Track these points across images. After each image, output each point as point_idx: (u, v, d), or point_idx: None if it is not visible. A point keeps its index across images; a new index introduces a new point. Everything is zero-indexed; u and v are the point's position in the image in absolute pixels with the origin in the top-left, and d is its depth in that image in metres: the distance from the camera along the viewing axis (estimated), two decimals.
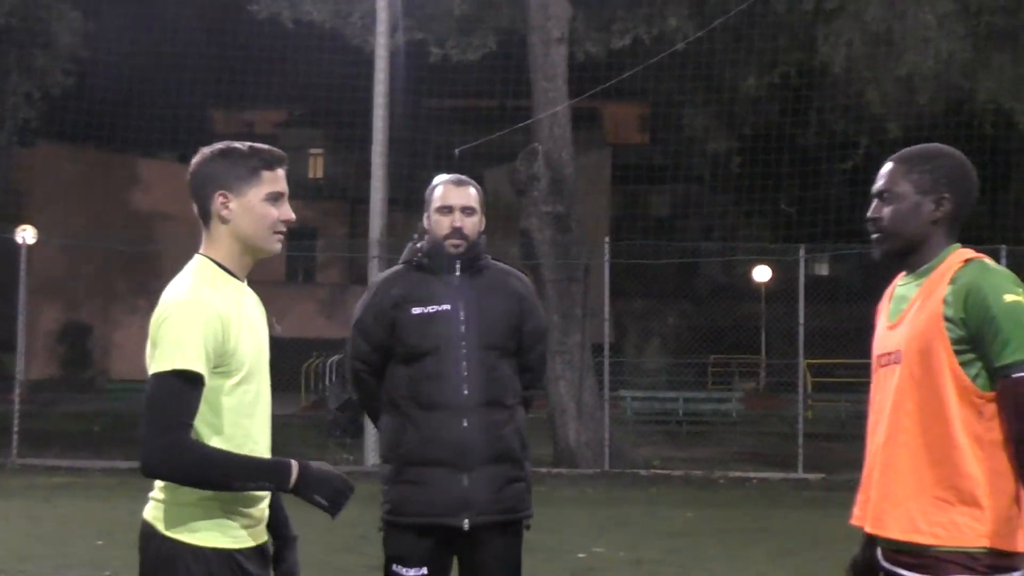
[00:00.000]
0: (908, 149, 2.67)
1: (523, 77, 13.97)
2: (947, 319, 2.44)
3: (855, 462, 10.90)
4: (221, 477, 2.50)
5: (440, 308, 3.56)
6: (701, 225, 30.29)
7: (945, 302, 2.45)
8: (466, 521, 3.47)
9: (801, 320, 13.49)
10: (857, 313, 15.22)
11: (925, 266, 2.58)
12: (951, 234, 2.58)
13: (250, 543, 2.64)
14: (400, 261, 3.75)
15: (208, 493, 2.54)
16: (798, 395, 18.53)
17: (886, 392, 2.57)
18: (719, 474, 13.17)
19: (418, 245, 3.70)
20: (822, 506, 10.86)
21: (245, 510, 2.63)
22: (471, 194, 3.63)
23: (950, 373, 2.43)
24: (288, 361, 26.72)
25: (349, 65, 16.61)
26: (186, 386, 2.48)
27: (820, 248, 14.70)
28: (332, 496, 2.55)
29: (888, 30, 15.93)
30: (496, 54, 15.76)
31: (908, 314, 2.55)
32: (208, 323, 2.53)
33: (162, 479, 2.56)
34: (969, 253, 2.55)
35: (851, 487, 10.93)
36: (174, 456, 2.46)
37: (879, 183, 2.63)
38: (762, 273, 28.16)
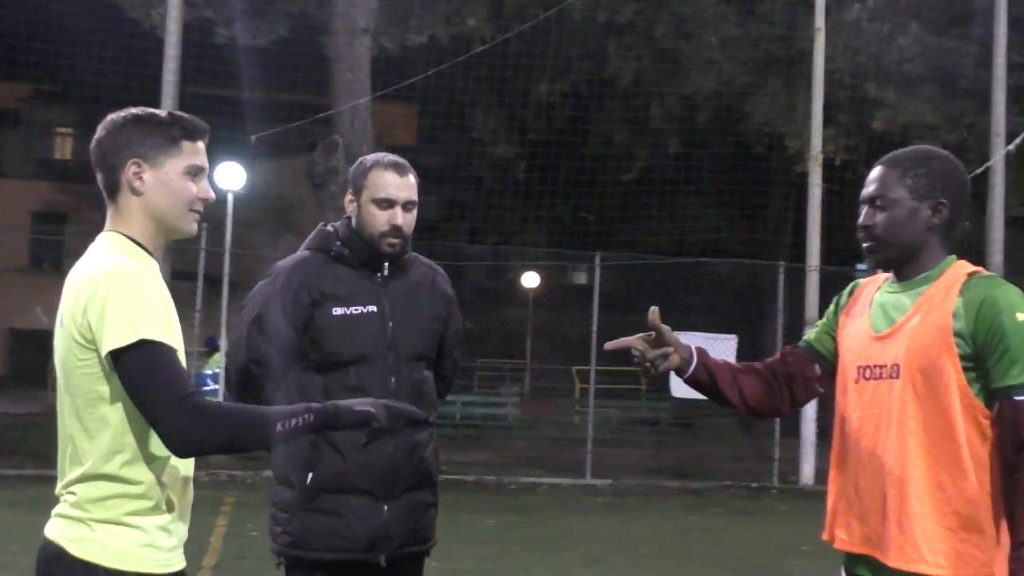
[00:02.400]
0: (899, 152, 2.51)
1: (321, 66, 13.43)
2: (957, 334, 2.29)
3: (633, 467, 11.27)
4: (263, 427, 2.18)
5: (366, 310, 3.07)
6: (473, 228, 30.47)
7: (955, 315, 2.30)
8: (382, 557, 3.05)
9: (595, 327, 13.69)
10: (617, 321, 15.71)
11: (922, 275, 2.42)
12: (946, 242, 2.45)
13: (177, 567, 2.30)
14: (307, 247, 3.18)
15: (135, 506, 2.19)
16: (586, 400, 18.97)
17: (880, 408, 2.40)
18: (509, 480, 13.15)
19: (329, 228, 3.18)
20: (618, 511, 11.04)
21: (173, 528, 2.28)
22: (413, 184, 3.14)
23: (958, 391, 2.29)
24: (30, 354, 24.74)
25: (123, 39, 15.41)
26: (163, 350, 2.14)
27: (615, 257, 14.94)
28: (375, 407, 2.29)
29: (675, 49, 16.54)
30: (287, 40, 15.10)
31: (907, 326, 2.38)
32: (157, 292, 2.21)
33: (207, 451, 2.21)
34: (970, 266, 2.42)
35: (638, 492, 11.27)
36: (207, 421, 2.13)
37: (870, 188, 2.45)
38: (531, 279, 28.71)
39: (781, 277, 13.94)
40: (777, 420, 13.87)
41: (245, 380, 3.12)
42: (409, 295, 3.15)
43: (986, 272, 2.42)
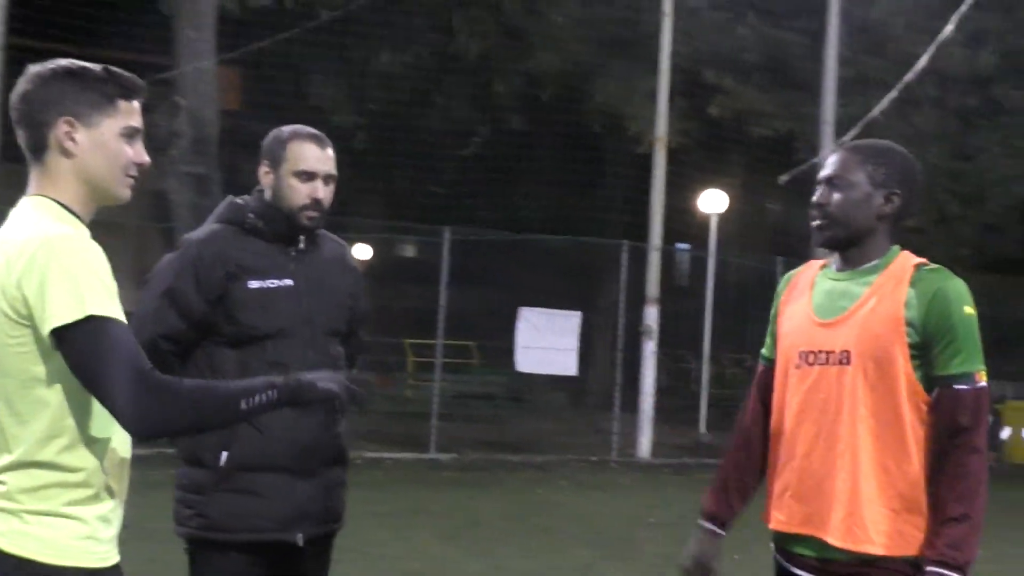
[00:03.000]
0: (861, 141, 2.63)
1: (163, 23, 12.76)
2: (908, 323, 2.38)
3: (474, 441, 11.30)
4: (227, 405, 2.05)
5: (282, 283, 2.98)
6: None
7: (907, 305, 2.38)
8: (300, 536, 2.96)
9: (443, 302, 13.64)
10: (455, 295, 15.75)
11: (869, 264, 2.49)
12: (892, 233, 2.53)
13: (115, 560, 2.14)
14: (218, 220, 3.07)
15: (74, 496, 2.03)
16: (419, 374, 18.89)
17: (826, 393, 2.46)
18: (355, 455, 12.93)
19: (240, 200, 3.07)
20: (465, 486, 11.08)
21: (114, 516, 2.13)
22: (332, 158, 3.07)
23: (905, 378, 2.38)
24: None
25: None
26: (116, 325, 1.98)
27: (462, 231, 14.91)
28: (337, 385, 2.19)
29: (522, 26, 16.57)
30: None
31: (857, 313, 2.44)
32: (101, 263, 2.04)
33: (171, 432, 2.09)
34: (915, 257, 2.51)
35: (483, 467, 11.30)
36: (171, 399, 1.99)
37: (829, 169, 2.53)
38: (362, 252, 28.40)
39: (624, 256, 14.24)
40: (615, 394, 14.25)
41: (152, 357, 2.94)
42: (322, 269, 3.09)
43: (932, 264, 2.49)
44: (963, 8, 10.15)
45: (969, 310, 2.39)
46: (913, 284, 2.40)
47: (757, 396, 2.72)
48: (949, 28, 10.09)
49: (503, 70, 17.40)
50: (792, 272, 2.71)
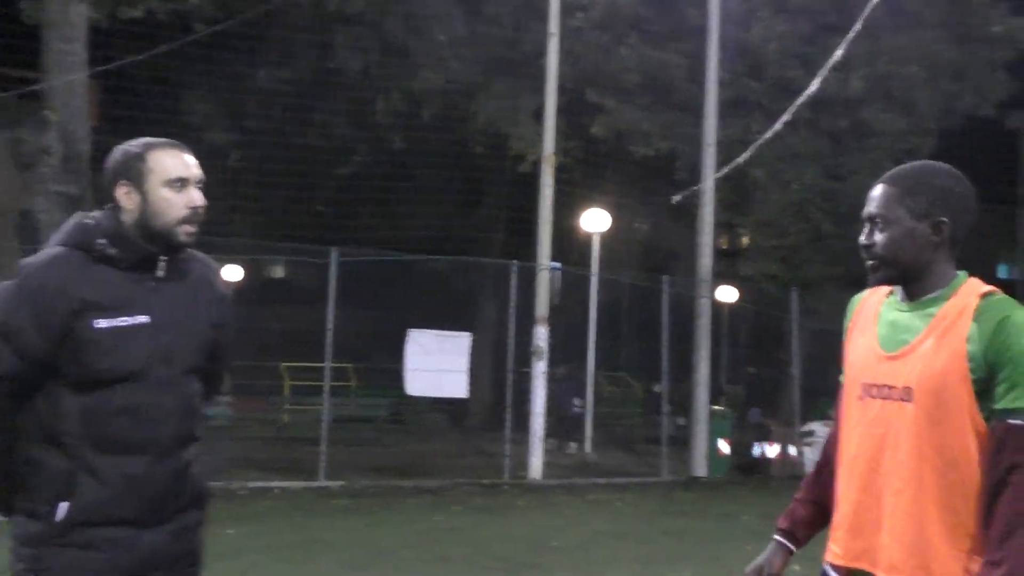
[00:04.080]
0: (900, 169, 2.48)
1: (31, 34, 12.06)
2: (971, 358, 2.28)
3: (360, 467, 10.97)
4: None
5: (136, 320, 2.63)
6: None
7: (969, 339, 2.28)
8: None
9: (330, 324, 13.27)
10: (319, 316, 15.42)
11: (932, 295, 2.40)
12: (952, 258, 2.43)
13: None
14: (63, 243, 2.68)
15: None
16: (295, 398, 18.37)
17: (886, 428, 2.39)
18: (238, 484, 12.48)
19: (89, 221, 2.70)
20: (359, 514, 10.75)
21: None
22: (196, 163, 2.75)
23: (969, 415, 2.28)
24: None
25: None
26: None
27: (356, 253, 14.54)
28: None
29: (404, 44, 16.38)
30: None
31: (919, 348, 2.35)
32: None
33: None
34: (983, 285, 2.39)
35: (374, 493, 10.97)
36: None
37: (871, 207, 2.43)
38: (233, 273, 27.61)
39: (514, 276, 14.16)
40: (507, 415, 14.13)
41: None
42: (185, 299, 2.76)
43: (999, 293, 2.38)
44: (851, 35, 10.45)
45: None
46: (976, 318, 2.31)
47: (838, 418, 2.64)
48: (838, 53, 10.38)
49: (384, 88, 17.14)
50: (859, 296, 2.62)
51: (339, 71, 16.82)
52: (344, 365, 22.04)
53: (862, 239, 2.45)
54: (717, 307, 23.37)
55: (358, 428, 19.27)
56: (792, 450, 16.09)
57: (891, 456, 2.37)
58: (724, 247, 26.53)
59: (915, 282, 2.42)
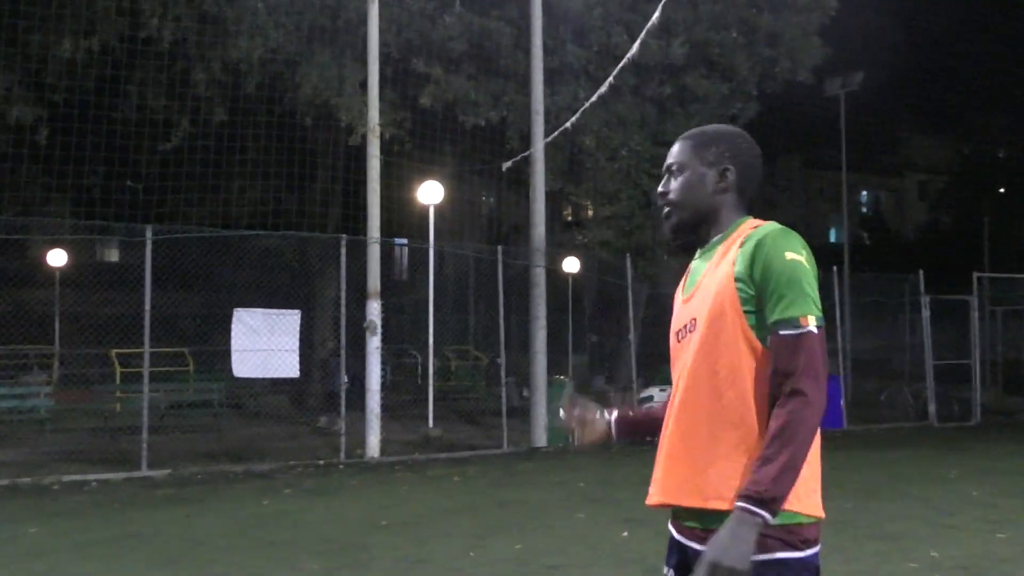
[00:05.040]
0: (694, 129, 2.71)
1: None
2: (738, 279, 2.43)
3: (190, 454, 10.59)
4: None
5: None
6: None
7: (735, 262, 2.45)
8: None
9: (147, 306, 12.55)
10: (165, 300, 14.73)
11: (717, 237, 2.59)
12: (740, 206, 2.62)
13: None
14: None
15: None
16: (127, 386, 17.50)
17: (683, 364, 2.53)
18: (51, 479, 11.75)
19: None
20: (183, 503, 10.25)
21: None
22: None
23: (741, 334, 2.42)
24: None
25: None
26: None
27: (166, 231, 13.82)
28: None
29: (219, 13, 15.67)
30: None
31: (703, 283, 2.54)
32: None
33: None
34: (758, 221, 2.56)
35: (201, 481, 10.55)
36: None
37: (668, 159, 2.66)
38: (57, 257, 26.18)
39: (343, 250, 13.75)
40: (341, 392, 13.78)
41: None
42: None
43: (770, 224, 2.52)
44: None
45: (792, 256, 2.40)
46: (743, 243, 2.47)
47: None
48: (655, 17, 10.40)
49: (201, 58, 16.38)
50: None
51: (150, 40, 15.95)
52: (180, 350, 21.23)
53: (660, 188, 2.66)
54: (562, 278, 23.55)
55: (195, 415, 18.56)
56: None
57: (692, 388, 2.49)
58: (569, 218, 26.72)
59: (704, 226, 2.61)
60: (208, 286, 20.17)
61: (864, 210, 52.12)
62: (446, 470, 12.83)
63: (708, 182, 2.59)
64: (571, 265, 22.58)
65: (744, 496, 2.26)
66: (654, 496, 2.54)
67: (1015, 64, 22.13)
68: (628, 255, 15.73)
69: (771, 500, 2.25)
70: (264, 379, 15.83)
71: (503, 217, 23.18)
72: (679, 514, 2.53)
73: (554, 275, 22.08)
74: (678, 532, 2.55)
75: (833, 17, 17.08)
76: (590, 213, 21.19)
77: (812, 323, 2.35)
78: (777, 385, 2.36)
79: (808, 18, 16.47)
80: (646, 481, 2.59)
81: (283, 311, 13.28)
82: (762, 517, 2.23)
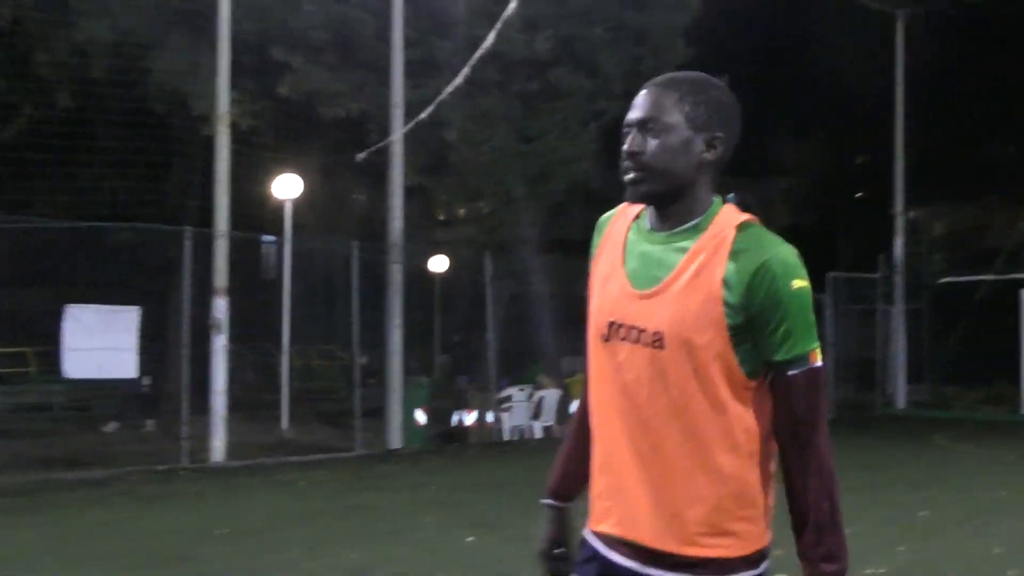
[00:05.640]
0: (673, 74, 2.19)
1: None
2: (726, 303, 2.04)
3: (20, 461, 9.83)
4: None
5: None
6: None
7: (725, 283, 2.05)
8: None
9: None
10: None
11: (686, 225, 2.12)
12: (714, 184, 2.15)
13: None
14: None
15: None
16: None
17: (637, 376, 2.11)
18: None
19: None
20: (1, 514, 9.54)
21: None
22: None
23: (722, 363, 2.06)
24: None
25: None
26: None
27: (5, 220, 12.92)
28: None
29: None
30: None
31: (672, 287, 2.09)
32: None
33: None
34: (740, 214, 2.13)
35: (25, 490, 9.79)
36: None
37: (640, 112, 2.10)
38: None
39: (187, 244, 13.09)
40: (183, 396, 13.14)
41: None
42: None
43: (756, 223, 2.11)
44: None
45: (799, 283, 2.05)
46: (733, 257, 2.05)
47: (586, 362, 2.31)
48: (512, 6, 10.15)
49: (43, 40, 15.44)
50: (607, 216, 2.29)
51: None
52: (23, 350, 20.10)
53: (627, 146, 2.10)
54: (430, 276, 23.16)
55: (35, 418, 17.55)
56: (490, 417, 16.06)
57: (645, 407, 2.12)
58: (441, 216, 26.36)
59: (672, 203, 2.13)
60: (51, 281, 19.12)
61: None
62: (294, 474, 12.35)
63: (694, 150, 2.11)
64: (441, 264, 22.25)
65: (835, 565, 2.07)
66: (612, 527, 2.18)
67: (871, 72, 22.80)
68: (488, 252, 15.48)
69: (844, 571, 2.09)
70: (115, 380, 15.07)
71: (373, 214, 22.70)
72: (609, 542, 2.20)
73: (422, 274, 21.73)
74: (608, 546, 2.20)
75: (698, 18, 17.18)
76: (461, 212, 20.94)
77: (819, 358, 2.09)
78: (787, 427, 2.09)
79: (673, 17, 16.52)
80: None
81: (119, 307, 12.57)
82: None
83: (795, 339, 2.05)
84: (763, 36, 21.67)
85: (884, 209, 23.96)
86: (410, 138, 15.01)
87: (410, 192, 17.56)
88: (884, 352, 22.83)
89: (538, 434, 16.40)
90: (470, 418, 16.01)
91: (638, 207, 2.23)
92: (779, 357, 2.06)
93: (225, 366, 13.18)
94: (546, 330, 17.80)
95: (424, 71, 15.09)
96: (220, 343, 13.07)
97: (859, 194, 42.04)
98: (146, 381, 16.21)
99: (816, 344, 2.09)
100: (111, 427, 16.33)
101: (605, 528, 2.19)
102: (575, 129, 16.03)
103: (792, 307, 2.04)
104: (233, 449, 13.51)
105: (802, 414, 2.07)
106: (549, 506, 2.42)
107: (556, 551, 2.39)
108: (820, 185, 41.88)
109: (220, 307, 13.09)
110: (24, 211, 17.36)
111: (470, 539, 8.07)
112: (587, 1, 15.52)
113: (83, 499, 10.41)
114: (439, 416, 16.14)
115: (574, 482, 2.39)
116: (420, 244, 21.64)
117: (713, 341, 2.05)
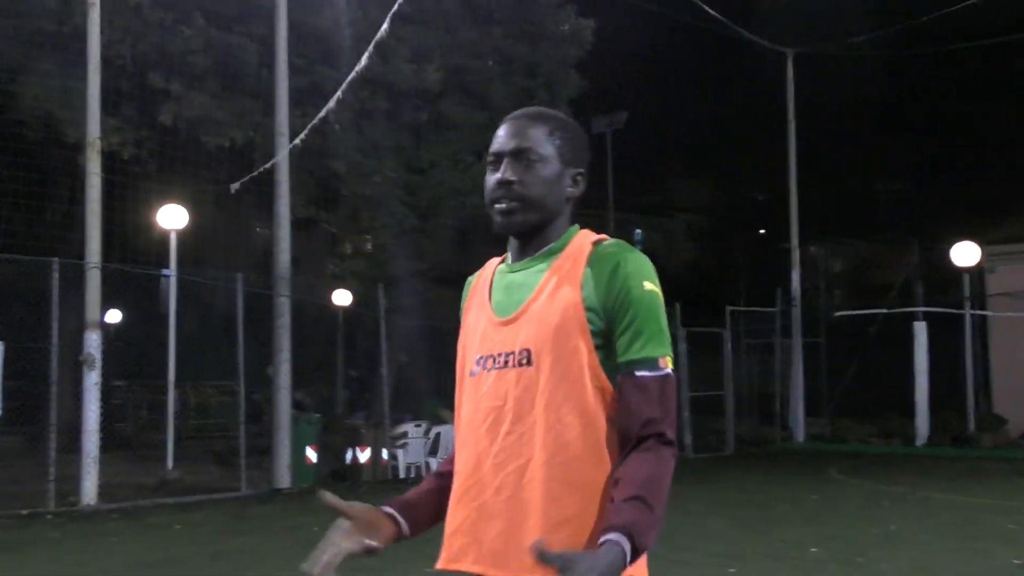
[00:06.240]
0: (537, 108, 2.21)
1: None
2: (588, 308, 2.02)
3: None
4: None
5: None
6: None
7: (583, 286, 2.03)
8: None
9: None
10: None
11: (545, 248, 2.11)
12: (572, 219, 2.17)
13: None
14: None
15: None
16: None
17: (503, 400, 2.04)
18: None
19: None
20: None
21: None
22: None
23: (590, 373, 2.00)
24: None
25: None
26: None
27: None
28: None
29: None
30: None
31: (535, 305, 2.06)
32: None
33: None
34: (594, 235, 2.14)
35: None
36: None
37: (515, 141, 2.09)
38: None
39: (55, 275, 12.44)
40: (52, 436, 12.43)
41: None
42: None
43: (612, 239, 2.12)
44: (395, 7, 10.05)
45: (650, 286, 2.03)
46: (590, 263, 2.06)
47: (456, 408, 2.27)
48: (384, 28, 9.95)
49: None
50: (472, 278, 2.29)
51: None
52: None
53: (501, 175, 2.08)
54: (333, 310, 22.64)
55: None
56: (385, 454, 15.61)
57: (515, 433, 2.03)
58: (348, 251, 25.89)
59: (537, 235, 2.13)
60: None
61: (639, 247, 53.98)
62: (170, 517, 11.73)
63: (564, 183, 2.13)
64: (344, 297, 21.77)
65: (624, 532, 1.83)
66: (446, 560, 2.10)
67: (765, 108, 23.22)
68: (380, 285, 15.11)
69: (640, 550, 1.86)
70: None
71: (264, 245, 22.14)
72: None
73: (326, 308, 21.22)
74: None
75: (591, 52, 17.19)
76: (347, 245, 20.52)
77: (670, 365, 2.03)
78: (628, 429, 1.98)
79: (565, 51, 16.48)
80: None
81: None
82: (629, 561, 1.82)
83: (645, 340, 2.01)
84: (656, 71, 21.90)
85: (783, 245, 24.30)
86: (298, 168, 14.62)
87: (304, 224, 17.13)
88: (783, 386, 23.02)
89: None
90: (364, 455, 15.52)
91: (496, 262, 2.25)
92: (629, 356, 2.00)
93: (97, 403, 12.53)
94: (445, 365, 17.47)
95: (310, 99, 14.73)
96: (92, 380, 12.42)
97: (761, 231, 42.89)
98: None
99: (668, 351, 2.03)
100: None
101: (463, 567, 2.08)
102: (466, 160, 15.83)
103: (642, 307, 2.02)
104: (108, 491, 12.82)
105: (648, 414, 1.97)
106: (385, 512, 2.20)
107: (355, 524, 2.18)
108: (721, 222, 42.67)
109: (92, 342, 12.46)
110: None
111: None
112: (476, 33, 15.39)
113: None
114: (331, 453, 15.64)
115: (412, 511, 2.22)
116: (320, 277, 21.15)
117: (578, 349, 2.01)
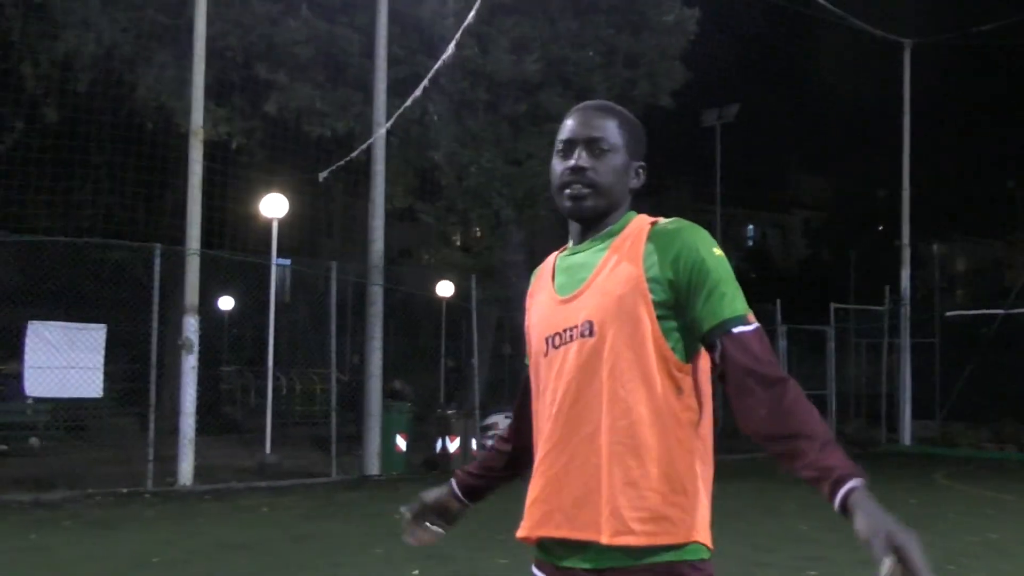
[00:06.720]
0: (603, 102, 2.30)
1: None
2: (649, 279, 2.08)
3: None
4: None
5: None
6: None
7: (646, 260, 2.10)
8: None
9: None
10: None
11: (606, 230, 2.19)
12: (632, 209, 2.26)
13: None
14: None
15: None
16: None
17: (574, 373, 2.11)
18: None
19: None
20: None
21: None
22: None
23: (653, 343, 2.07)
24: None
25: None
26: None
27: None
28: None
29: (44, 4, 14.68)
30: None
31: (596, 280, 2.14)
32: None
33: None
34: (651, 217, 2.19)
35: None
36: None
37: (588, 130, 2.17)
38: None
39: (157, 261, 12.80)
40: (152, 417, 12.83)
41: None
42: None
43: (670, 218, 2.19)
44: (478, 3, 9.96)
45: (718, 252, 2.10)
46: (651, 239, 2.12)
47: (517, 408, 2.45)
48: (471, 16, 9.86)
49: (30, 53, 15.31)
50: (537, 269, 2.38)
51: None
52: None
53: (575, 161, 2.15)
54: (437, 301, 22.85)
55: (15, 437, 17.26)
56: (474, 443, 15.64)
57: (582, 401, 2.11)
58: (456, 241, 26.08)
59: (601, 223, 2.20)
60: (48, 299, 18.97)
61: (750, 244, 52.89)
62: (261, 500, 11.97)
63: (629, 174, 2.22)
64: (447, 289, 21.92)
65: (850, 476, 1.86)
66: (529, 528, 2.18)
67: (889, 106, 22.40)
68: (473, 277, 15.11)
69: (858, 474, 1.87)
70: (106, 399, 14.81)
71: (347, 231, 22.36)
72: (552, 550, 2.17)
73: (430, 298, 21.39)
74: (542, 568, 2.21)
75: (696, 43, 16.84)
76: (453, 236, 20.58)
77: (755, 320, 2.08)
78: (751, 375, 2.00)
79: (668, 41, 16.17)
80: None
81: (85, 325, 12.26)
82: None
83: (730, 299, 2.06)
84: (763, 61, 21.34)
85: (898, 242, 23.45)
86: (396, 158, 14.72)
87: (407, 215, 17.23)
88: (890, 386, 22.27)
89: None
90: (453, 445, 15.58)
91: (558, 252, 2.32)
92: (723, 317, 2.04)
93: (194, 387, 12.86)
94: None
95: (411, 90, 14.80)
96: (190, 364, 12.75)
97: (880, 227, 41.59)
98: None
99: (749, 309, 2.08)
100: (32, 442, 16.00)
101: (545, 533, 2.15)
102: None
103: (719, 271, 2.07)
104: (206, 472, 13.17)
105: (754, 366, 2.00)
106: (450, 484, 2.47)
107: (425, 510, 2.45)
108: (839, 219, 41.55)
109: (191, 326, 12.78)
110: (32, 230, 17.18)
111: (415, 572, 7.67)
112: (578, 23, 15.21)
113: (28, 522, 10.05)
114: (424, 442, 15.76)
115: (477, 483, 2.47)
116: (426, 268, 21.33)
117: (641, 319, 2.07)
